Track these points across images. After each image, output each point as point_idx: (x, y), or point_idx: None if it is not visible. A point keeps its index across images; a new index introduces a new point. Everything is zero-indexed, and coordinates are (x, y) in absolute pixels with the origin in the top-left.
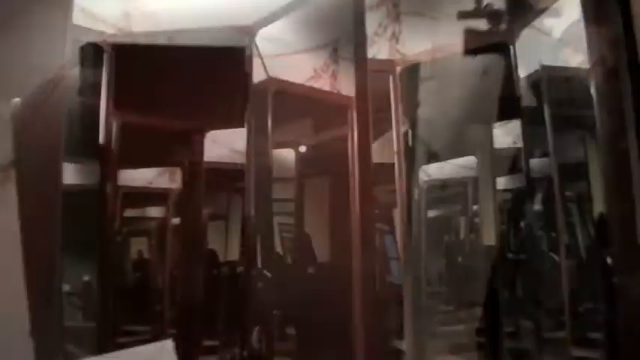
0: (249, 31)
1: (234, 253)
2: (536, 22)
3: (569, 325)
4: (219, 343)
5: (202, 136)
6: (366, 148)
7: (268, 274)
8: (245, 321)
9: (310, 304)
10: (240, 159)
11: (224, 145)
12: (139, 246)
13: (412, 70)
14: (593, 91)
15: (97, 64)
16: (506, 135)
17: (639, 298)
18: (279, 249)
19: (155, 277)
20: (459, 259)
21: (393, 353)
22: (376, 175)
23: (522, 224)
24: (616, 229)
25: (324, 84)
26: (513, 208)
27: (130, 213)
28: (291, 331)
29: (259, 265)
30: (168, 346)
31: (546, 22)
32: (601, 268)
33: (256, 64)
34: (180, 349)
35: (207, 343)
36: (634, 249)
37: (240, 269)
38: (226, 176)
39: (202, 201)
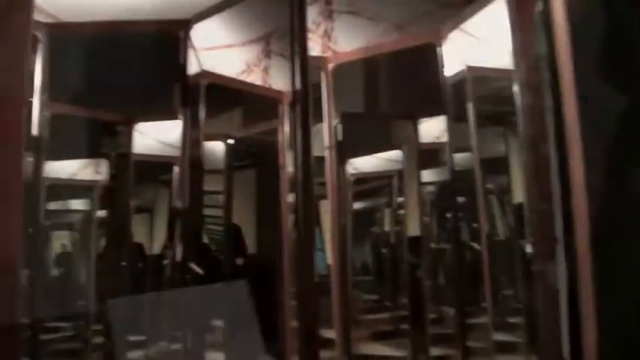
0: (185, 25)
1: (160, 247)
2: (464, 25)
3: (491, 311)
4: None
5: (131, 128)
6: (307, 141)
7: (197, 268)
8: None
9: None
10: (168, 151)
11: (151, 136)
12: (62, 239)
13: (343, 67)
14: (517, 100)
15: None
16: (431, 130)
17: (555, 284)
18: (207, 241)
19: (79, 271)
20: (384, 250)
21: (322, 342)
22: None
23: (446, 215)
24: (535, 222)
25: (256, 78)
26: (437, 200)
27: (53, 206)
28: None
29: (187, 257)
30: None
31: (474, 25)
32: (520, 256)
33: (190, 57)
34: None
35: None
36: (551, 240)
37: (166, 262)
38: (154, 168)
39: (130, 193)
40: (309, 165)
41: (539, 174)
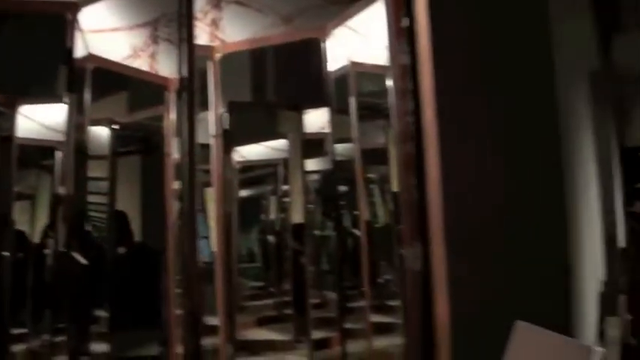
0: (74, 7)
1: (42, 235)
2: (350, 22)
3: (369, 295)
4: (28, 331)
5: (14, 111)
6: (191, 129)
7: (80, 257)
8: (55, 306)
9: (124, 285)
10: (52, 135)
11: (35, 120)
12: None
13: (231, 57)
14: (390, 103)
15: None
16: (316, 121)
17: (414, 266)
18: (91, 229)
19: None
20: (270, 237)
21: (206, 329)
22: None
23: (329, 203)
24: (402, 211)
25: (142, 63)
26: (321, 188)
27: None
28: (104, 313)
29: (70, 246)
30: None
31: (358, 22)
32: (397, 242)
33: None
34: None
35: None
36: (417, 226)
37: (48, 251)
38: (36, 153)
39: (12, 179)
40: (193, 153)
41: (407, 168)
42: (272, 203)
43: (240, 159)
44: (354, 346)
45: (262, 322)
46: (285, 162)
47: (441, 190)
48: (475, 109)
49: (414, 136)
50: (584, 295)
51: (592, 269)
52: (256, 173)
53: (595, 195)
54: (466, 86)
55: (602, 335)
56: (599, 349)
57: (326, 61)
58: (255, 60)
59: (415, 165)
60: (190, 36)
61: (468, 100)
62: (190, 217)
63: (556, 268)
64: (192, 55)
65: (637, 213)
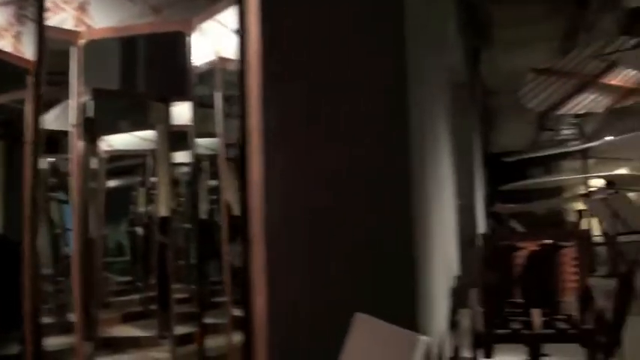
0: None
1: None
2: (219, 17)
3: (229, 290)
4: None
5: None
6: (37, 114)
7: None
8: None
9: None
10: None
11: None
12: None
13: (98, 44)
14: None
15: None
16: (185, 113)
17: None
18: None
19: None
20: (138, 230)
21: (64, 326)
22: (54, 143)
23: (197, 197)
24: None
25: (6, 44)
26: (189, 181)
27: None
28: None
29: None
30: None
31: (227, 18)
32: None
33: None
34: None
35: None
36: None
37: None
38: None
39: None
40: (38, 140)
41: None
42: (141, 195)
43: (108, 148)
44: (215, 341)
45: (127, 318)
46: (153, 153)
47: (264, 189)
48: (308, 115)
49: (242, 138)
50: (438, 289)
51: (446, 265)
52: (125, 163)
53: (451, 196)
54: (296, 92)
55: (455, 325)
56: (425, 337)
57: (190, 55)
58: (124, 49)
59: (241, 166)
60: (41, 17)
61: (296, 106)
62: (33, 210)
63: (404, 265)
64: (42, 38)
65: (497, 213)
